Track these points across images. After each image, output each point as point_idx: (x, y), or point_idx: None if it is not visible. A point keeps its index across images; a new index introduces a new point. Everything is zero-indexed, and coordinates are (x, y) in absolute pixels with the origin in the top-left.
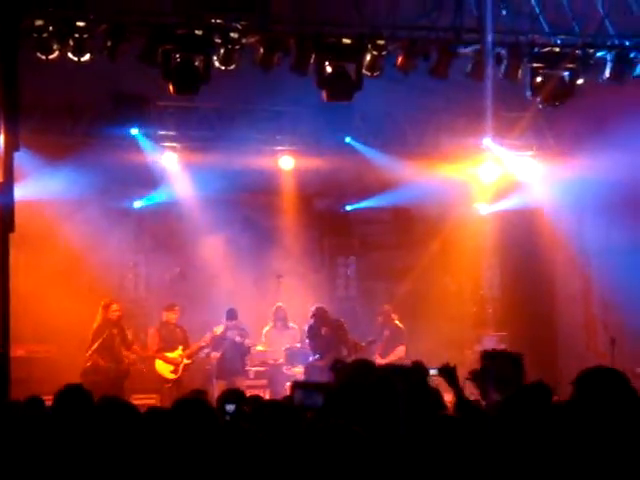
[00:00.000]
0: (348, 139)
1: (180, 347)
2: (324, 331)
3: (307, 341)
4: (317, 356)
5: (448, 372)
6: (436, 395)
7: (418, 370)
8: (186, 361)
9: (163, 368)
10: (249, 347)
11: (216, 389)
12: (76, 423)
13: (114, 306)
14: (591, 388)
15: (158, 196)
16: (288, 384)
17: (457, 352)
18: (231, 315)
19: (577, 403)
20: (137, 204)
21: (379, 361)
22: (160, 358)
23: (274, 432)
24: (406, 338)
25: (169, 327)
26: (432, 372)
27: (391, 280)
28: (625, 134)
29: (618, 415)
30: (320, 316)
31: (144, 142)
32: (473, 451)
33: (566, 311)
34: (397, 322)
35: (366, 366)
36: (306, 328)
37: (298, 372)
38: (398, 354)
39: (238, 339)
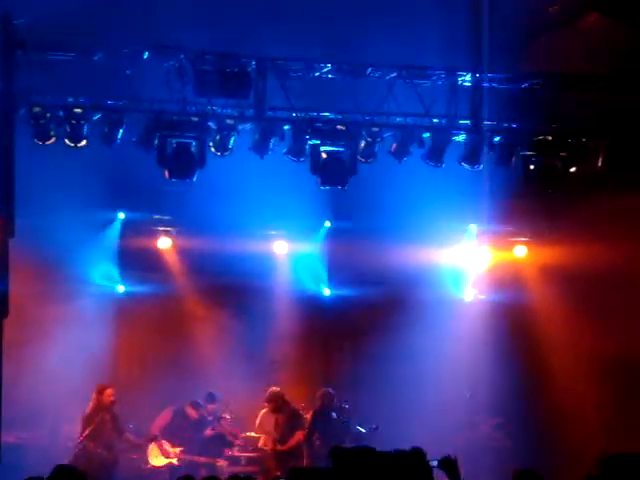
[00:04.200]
0: (328, 224)
1: (179, 449)
2: (333, 415)
3: (310, 429)
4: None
5: (449, 465)
6: None
7: (418, 455)
8: (173, 461)
9: (150, 452)
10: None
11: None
12: None
13: (108, 391)
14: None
15: (153, 279)
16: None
17: (450, 438)
18: (211, 399)
19: None
20: (130, 287)
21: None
22: (157, 445)
23: None
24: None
25: (186, 419)
26: (433, 464)
27: (385, 364)
28: (618, 225)
29: None
30: (327, 400)
31: (136, 226)
32: None
33: (561, 397)
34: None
35: (367, 452)
36: (312, 413)
37: None
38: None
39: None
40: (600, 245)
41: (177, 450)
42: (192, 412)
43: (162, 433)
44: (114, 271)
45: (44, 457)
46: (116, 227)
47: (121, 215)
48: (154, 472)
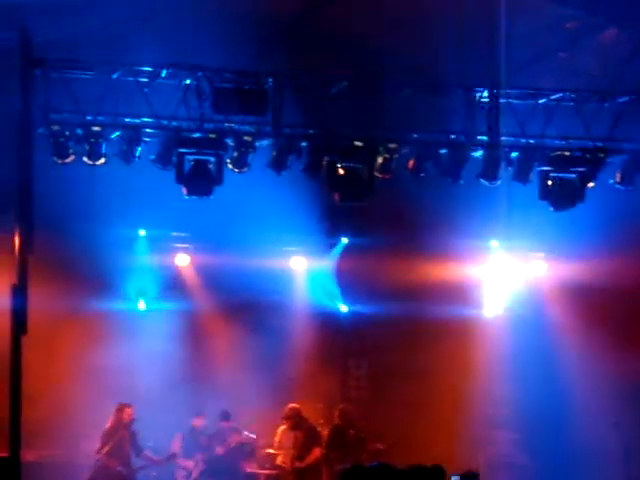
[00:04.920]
0: (345, 240)
1: (199, 456)
2: (351, 432)
3: (328, 446)
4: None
5: (471, 479)
6: None
7: (437, 471)
8: (201, 467)
9: (177, 473)
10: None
11: None
12: None
13: (128, 410)
14: None
15: (171, 297)
16: None
17: (468, 454)
18: (225, 416)
19: None
20: (147, 305)
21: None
22: (175, 464)
23: None
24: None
25: (194, 433)
26: (454, 479)
27: (403, 381)
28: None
29: None
30: (346, 416)
31: (154, 243)
32: None
33: (580, 413)
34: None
35: (386, 468)
36: (329, 430)
37: None
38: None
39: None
40: (619, 260)
41: (198, 457)
42: (198, 422)
43: (180, 454)
44: (135, 288)
45: (64, 474)
46: (136, 244)
47: (142, 232)
48: None
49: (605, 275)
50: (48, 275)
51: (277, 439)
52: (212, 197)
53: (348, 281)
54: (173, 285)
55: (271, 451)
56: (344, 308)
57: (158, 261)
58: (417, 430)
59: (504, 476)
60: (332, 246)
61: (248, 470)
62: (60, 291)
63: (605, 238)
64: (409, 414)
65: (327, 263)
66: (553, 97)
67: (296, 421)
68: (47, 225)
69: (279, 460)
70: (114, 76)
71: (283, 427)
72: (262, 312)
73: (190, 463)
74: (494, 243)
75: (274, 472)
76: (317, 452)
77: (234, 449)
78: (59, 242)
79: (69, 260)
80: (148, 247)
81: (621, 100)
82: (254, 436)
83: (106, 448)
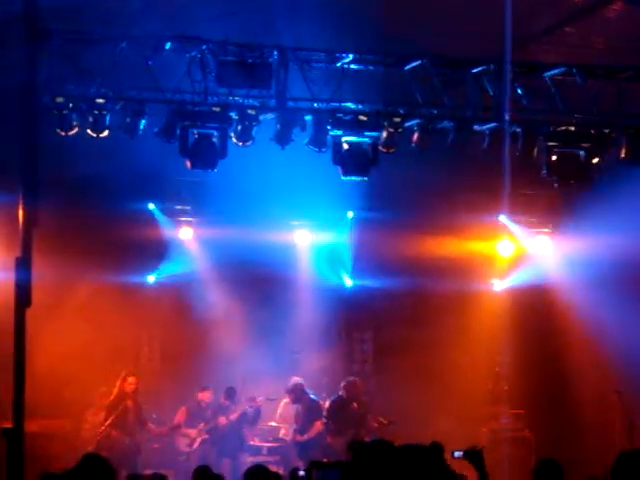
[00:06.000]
0: (351, 214)
1: (202, 424)
2: (354, 406)
3: (328, 415)
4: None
5: (475, 455)
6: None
7: (436, 449)
8: (204, 436)
9: (179, 442)
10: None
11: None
12: None
13: (130, 379)
14: (629, 471)
15: (174, 270)
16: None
17: (473, 429)
18: (230, 393)
19: None
20: (153, 278)
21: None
22: (178, 433)
23: None
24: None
25: (200, 406)
26: (457, 455)
27: (407, 355)
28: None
29: None
30: (353, 390)
31: (162, 217)
32: None
33: (582, 387)
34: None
35: (385, 445)
36: (331, 400)
37: None
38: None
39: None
40: (622, 234)
41: (201, 426)
42: (204, 396)
43: (183, 425)
44: (141, 261)
45: (68, 446)
46: (143, 218)
47: (151, 206)
48: (182, 458)
49: (610, 249)
50: (53, 248)
51: (279, 412)
52: (216, 170)
53: (354, 255)
54: (178, 259)
55: (273, 424)
56: (349, 282)
57: (164, 234)
58: (420, 405)
59: (508, 450)
60: (338, 220)
61: (251, 442)
62: (65, 264)
63: (612, 214)
64: (413, 389)
65: (333, 237)
66: (558, 71)
67: (298, 395)
68: (52, 198)
69: (281, 433)
70: (118, 48)
71: (286, 400)
72: (266, 286)
73: (193, 432)
74: (501, 218)
75: (276, 445)
76: (319, 426)
77: (237, 421)
78: (64, 215)
79: (74, 233)
80: (154, 220)
81: (626, 75)
82: (261, 399)
83: (110, 419)
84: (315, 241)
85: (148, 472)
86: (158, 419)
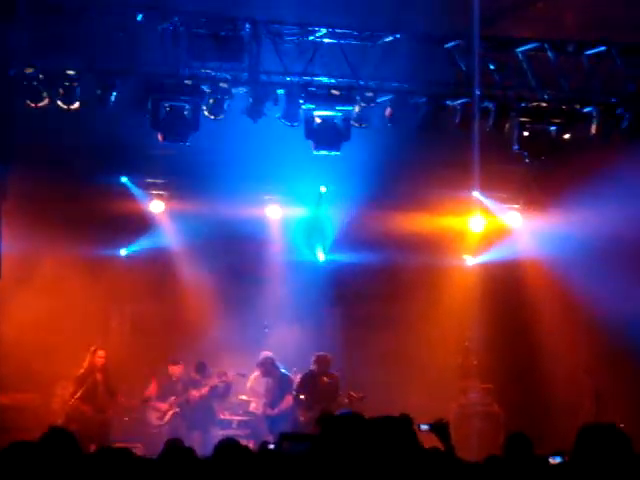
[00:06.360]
0: (323, 189)
1: (173, 398)
2: (325, 380)
3: (298, 389)
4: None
5: (441, 428)
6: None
7: (405, 421)
8: (175, 409)
9: (150, 415)
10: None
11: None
12: (62, 466)
13: (100, 352)
14: (592, 445)
15: (146, 243)
16: None
17: (442, 404)
18: (200, 368)
19: (577, 459)
20: (124, 251)
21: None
22: (149, 406)
23: None
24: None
25: (170, 379)
26: (423, 428)
27: (378, 330)
28: (609, 189)
29: (618, 475)
30: (323, 364)
31: (133, 190)
32: None
33: (552, 363)
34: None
35: (354, 417)
36: (302, 374)
37: None
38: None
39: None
40: (592, 209)
41: (172, 399)
42: (174, 369)
43: (154, 398)
44: (112, 234)
45: (37, 419)
46: (115, 190)
47: (123, 179)
48: (153, 431)
49: (580, 224)
50: (23, 220)
51: (249, 385)
52: (188, 144)
53: (325, 230)
54: (151, 232)
55: (244, 397)
56: (321, 256)
57: (135, 207)
58: (391, 380)
59: (477, 424)
60: (310, 195)
61: (221, 416)
62: (35, 236)
63: (581, 189)
64: (384, 363)
65: (305, 212)
66: (530, 47)
67: (268, 368)
68: (23, 170)
69: (252, 407)
70: (88, 19)
71: (256, 374)
72: (238, 260)
73: (164, 405)
74: (474, 194)
75: (246, 418)
76: (289, 399)
77: (209, 394)
78: (35, 187)
79: (45, 205)
80: (126, 193)
81: (598, 51)
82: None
83: (79, 392)
84: (287, 215)
85: (119, 445)
86: (128, 392)
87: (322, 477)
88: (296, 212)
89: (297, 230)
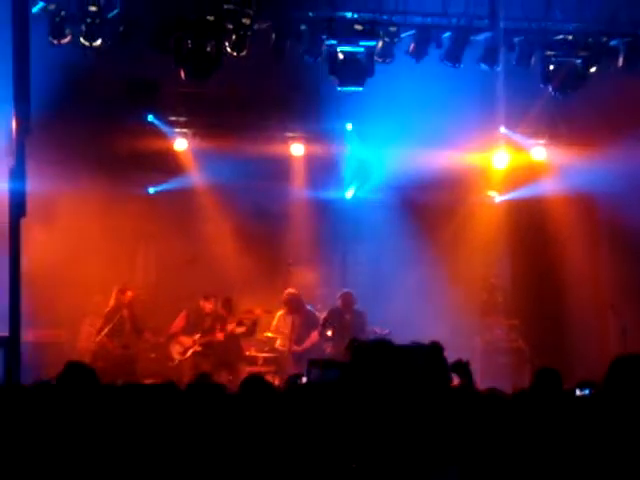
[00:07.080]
0: (350, 126)
1: (198, 335)
2: (350, 317)
3: (324, 324)
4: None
5: (461, 367)
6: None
7: (436, 349)
8: (197, 348)
9: (172, 349)
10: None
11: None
12: (81, 400)
13: (128, 292)
14: (626, 375)
15: (170, 182)
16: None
17: (467, 340)
18: (227, 305)
19: (609, 389)
20: (149, 189)
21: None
22: (174, 341)
23: None
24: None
25: (200, 314)
26: None
27: (402, 267)
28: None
29: None
30: (347, 302)
31: (158, 128)
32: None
33: (577, 299)
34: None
35: (384, 344)
36: (329, 310)
37: None
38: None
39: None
40: (619, 147)
41: (196, 337)
42: (205, 304)
43: (181, 332)
44: (136, 172)
45: (64, 355)
46: (139, 128)
47: (150, 117)
48: (178, 367)
49: (606, 161)
50: (49, 157)
51: (275, 323)
52: (210, 80)
53: (352, 167)
54: (172, 170)
55: (269, 334)
56: (346, 194)
57: (160, 145)
58: (416, 315)
59: (502, 360)
60: (335, 132)
61: (247, 353)
62: (60, 173)
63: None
64: (409, 299)
65: (329, 149)
66: None
67: (294, 306)
68: (46, 107)
69: (277, 344)
70: None
71: (281, 312)
72: (261, 198)
73: (188, 340)
74: (499, 130)
75: (272, 355)
76: (315, 336)
77: (233, 335)
78: (59, 125)
79: (70, 143)
80: (151, 131)
81: None
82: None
83: (106, 329)
84: (311, 153)
85: (147, 381)
86: (155, 329)
87: (352, 405)
88: (320, 150)
89: (321, 168)
